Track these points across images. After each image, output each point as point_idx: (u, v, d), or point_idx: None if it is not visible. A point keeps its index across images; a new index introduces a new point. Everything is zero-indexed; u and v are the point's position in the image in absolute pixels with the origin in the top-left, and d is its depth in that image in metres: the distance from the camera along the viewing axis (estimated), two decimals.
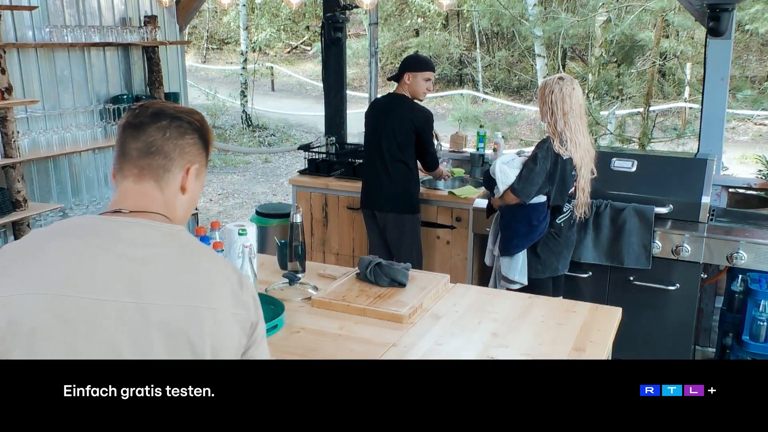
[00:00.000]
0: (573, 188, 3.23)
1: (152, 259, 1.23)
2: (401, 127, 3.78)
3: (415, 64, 3.83)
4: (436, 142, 4.08)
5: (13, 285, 1.17)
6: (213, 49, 21.31)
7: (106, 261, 1.21)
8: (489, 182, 3.29)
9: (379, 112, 3.91)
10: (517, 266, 3.24)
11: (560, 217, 3.24)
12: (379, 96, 4.24)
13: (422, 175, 4.11)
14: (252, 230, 2.43)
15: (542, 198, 3.18)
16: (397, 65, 3.98)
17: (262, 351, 1.34)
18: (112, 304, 1.19)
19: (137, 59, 4.81)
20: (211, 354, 1.22)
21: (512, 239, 3.23)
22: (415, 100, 3.86)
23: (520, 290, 3.09)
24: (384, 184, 3.86)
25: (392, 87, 3.93)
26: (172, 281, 1.23)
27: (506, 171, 3.20)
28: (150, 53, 4.78)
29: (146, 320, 1.19)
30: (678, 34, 10.97)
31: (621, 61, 8.68)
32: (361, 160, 4.51)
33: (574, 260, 3.53)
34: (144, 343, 1.19)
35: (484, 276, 4.01)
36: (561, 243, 3.27)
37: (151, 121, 1.32)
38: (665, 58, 10.32)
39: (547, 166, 3.11)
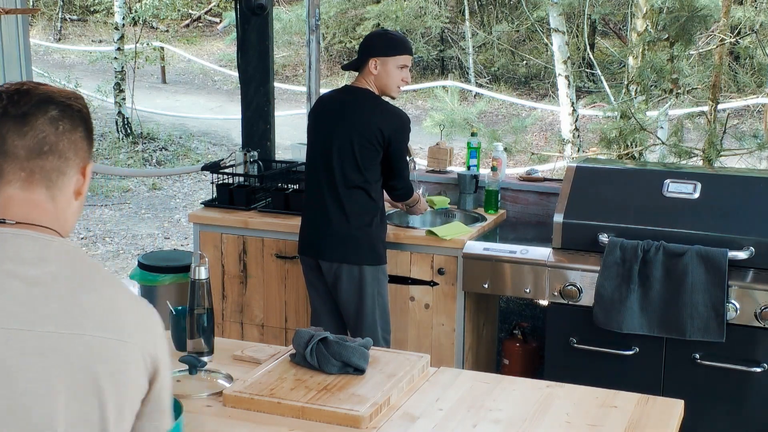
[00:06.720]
0: None
1: (46, 279, 1.43)
2: (363, 137, 3.80)
3: (385, 44, 3.87)
4: (408, 158, 4.12)
5: None
6: (72, 21, 21.26)
7: None
8: None
9: (329, 114, 3.93)
10: None
11: None
12: (326, 90, 4.27)
13: (388, 208, 4.13)
14: (134, 291, 2.42)
15: None
16: (349, 45, 4.03)
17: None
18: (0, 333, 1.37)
19: None
20: (115, 401, 1.41)
21: None
22: (384, 97, 3.91)
23: None
24: (334, 221, 3.87)
25: (343, 78, 3.97)
26: (72, 305, 1.42)
27: None
28: None
29: (43, 353, 1.37)
30: (756, 0, 11.29)
31: (675, 38, 8.86)
32: (298, 186, 4.52)
33: (614, 330, 3.56)
34: (42, 383, 1.36)
35: (480, 354, 4.03)
36: None
37: (39, 111, 1.50)
38: (739, 33, 10.59)
39: None
